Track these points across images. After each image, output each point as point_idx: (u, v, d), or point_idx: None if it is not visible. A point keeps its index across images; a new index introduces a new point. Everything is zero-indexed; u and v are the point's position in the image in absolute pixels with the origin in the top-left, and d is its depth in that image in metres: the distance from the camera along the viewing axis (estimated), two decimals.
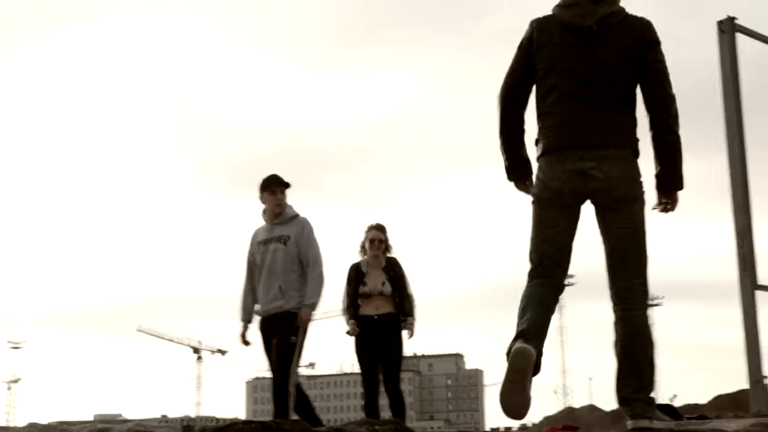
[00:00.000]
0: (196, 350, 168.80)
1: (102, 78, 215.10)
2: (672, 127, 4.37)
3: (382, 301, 7.97)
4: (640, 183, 4.34)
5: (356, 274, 8.08)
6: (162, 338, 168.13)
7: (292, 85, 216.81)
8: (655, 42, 4.40)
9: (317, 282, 7.10)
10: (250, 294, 7.29)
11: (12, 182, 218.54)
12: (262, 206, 7.30)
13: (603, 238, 4.35)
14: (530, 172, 4.45)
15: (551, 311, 4.30)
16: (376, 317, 7.92)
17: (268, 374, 7.21)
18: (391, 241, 8.21)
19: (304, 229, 7.21)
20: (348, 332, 8.02)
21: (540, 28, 4.43)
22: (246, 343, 7.25)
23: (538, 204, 4.37)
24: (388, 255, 8.15)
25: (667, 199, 4.43)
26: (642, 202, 4.34)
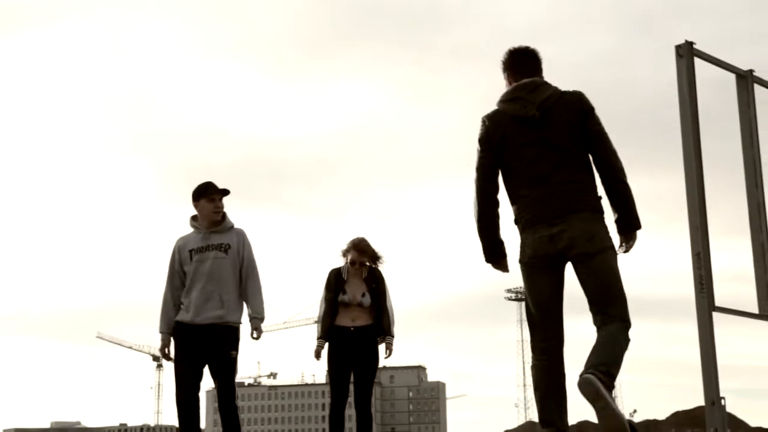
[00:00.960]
0: (156, 358, 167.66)
1: (60, 83, 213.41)
2: (620, 178, 5.00)
3: (359, 313, 7.70)
4: (602, 236, 4.94)
5: (336, 281, 7.78)
6: (121, 345, 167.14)
7: (255, 94, 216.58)
8: (591, 110, 5.06)
9: (261, 295, 6.94)
10: (172, 305, 6.96)
11: None
12: (195, 213, 7.05)
13: (581, 285, 4.96)
14: (504, 253, 5.10)
15: (563, 384, 5.03)
16: (352, 329, 7.66)
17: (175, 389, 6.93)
18: (378, 251, 7.90)
19: (245, 239, 7.00)
20: (315, 352, 7.75)
21: (493, 124, 5.04)
22: (168, 357, 6.94)
23: (523, 268, 5.03)
24: (375, 265, 7.87)
25: (628, 240, 5.03)
26: (608, 250, 4.94)
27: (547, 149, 4.94)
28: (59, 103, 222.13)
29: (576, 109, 5.01)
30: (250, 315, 6.94)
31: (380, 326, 7.70)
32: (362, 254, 7.81)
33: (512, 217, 5.09)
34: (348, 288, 7.74)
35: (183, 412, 6.81)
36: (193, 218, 7.05)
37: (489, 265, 5.13)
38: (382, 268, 7.93)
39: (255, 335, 6.93)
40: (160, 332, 6.96)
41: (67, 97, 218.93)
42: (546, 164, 4.92)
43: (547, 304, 4.99)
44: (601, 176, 5.00)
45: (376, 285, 7.75)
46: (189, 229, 7.09)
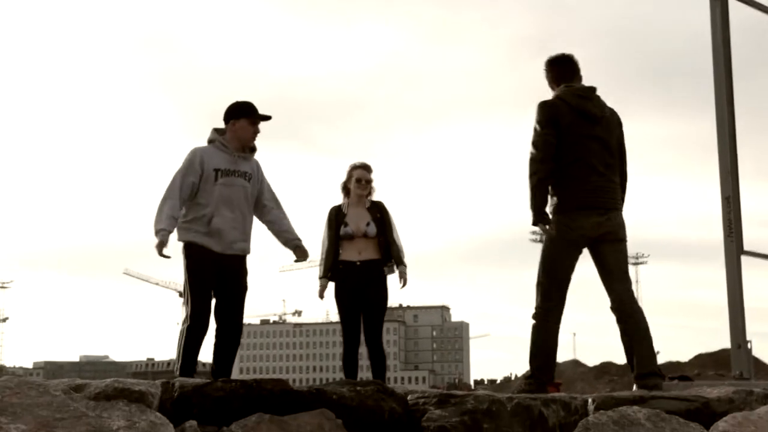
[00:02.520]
0: (182, 294, 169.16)
1: (84, 20, 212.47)
2: (626, 187, 6.19)
3: (364, 244, 7.39)
4: (625, 229, 6.06)
5: (336, 216, 7.46)
6: (148, 282, 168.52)
7: (280, 33, 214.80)
8: (622, 127, 6.17)
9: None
10: (178, 214, 6.32)
11: (1, 126, 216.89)
12: (220, 128, 6.47)
13: (604, 261, 5.97)
14: (549, 218, 5.88)
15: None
16: (358, 263, 7.36)
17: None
18: (376, 184, 7.59)
19: (261, 169, 6.60)
20: (318, 292, 7.57)
21: (560, 111, 5.81)
22: (166, 256, 6.26)
23: (559, 244, 5.82)
24: (372, 199, 7.57)
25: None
26: (626, 241, 6.05)
27: (603, 148, 5.85)
28: (84, 41, 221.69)
29: (619, 124, 6.10)
30: (293, 241, 6.68)
31: (388, 258, 7.41)
32: (367, 170, 7.56)
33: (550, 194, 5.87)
34: (350, 220, 7.45)
35: (197, 342, 6.30)
36: (219, 133, 6.49)
37: (537, 228, 5.93)
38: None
39: (302, 257, 6.72)
40: (162, 229, 6.22)
41: (91, 34, 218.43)
42: (603, 160, 5.84)
43: (569, 277, 5.92)
44: (620, 182, 6.06)
45: (380, 215, 7.47)
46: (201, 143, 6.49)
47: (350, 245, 7.42)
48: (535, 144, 5.78)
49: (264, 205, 6.60)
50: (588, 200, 5.79)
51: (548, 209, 5.88)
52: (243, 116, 6.41)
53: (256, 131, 6.44)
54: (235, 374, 6.24)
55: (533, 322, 5.91)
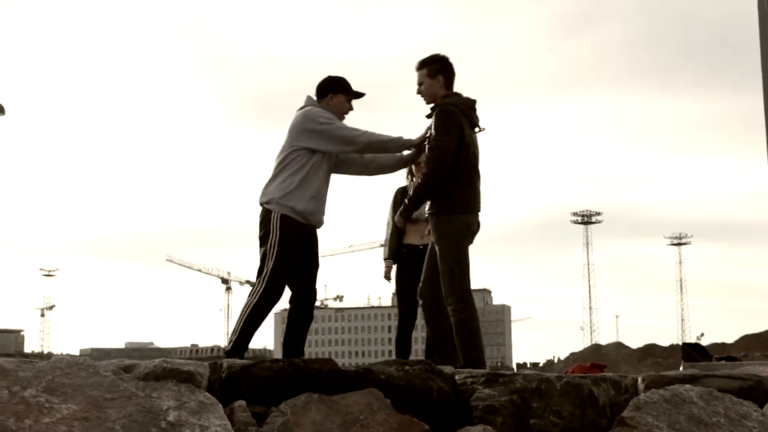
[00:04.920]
0: (225, 281, 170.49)
1: (126, 8, 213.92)
2: None
3: (427, 228, 7.16)
4: None
5: (402, 198, 7.42)
6: (191, 268, 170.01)
7: (319, 18, 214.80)
8: None
9: None
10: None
11: (44, 115, 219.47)
12: (325, 106, 6.22)
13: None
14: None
15: None
16: (421, 246, 7.25)
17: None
18: None
19: None
20: (384, 274, 7.61)
21: (460, 117, 6.10)
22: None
23: (462, 240, 6.15)
24: None
25: None
26: None
27: (478, 156, 6.24)
28: (125, 29, 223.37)
29: None
30: (404, 148, 6.44)
31: None
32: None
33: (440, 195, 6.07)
34: None
35: (303, 324, 6.23)
36: (311, 104, 6.27)
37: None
38: None
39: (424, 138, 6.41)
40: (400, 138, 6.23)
41: (132, 22, 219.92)
42: (478, 168, 6.23)
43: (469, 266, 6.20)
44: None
45: None
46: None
47: (414, 228, 7.41)
48: (445, 146, 6.00)
49: (347, 157, 6.34)
50: (477, 202, 6.21)
51: (435, 207, 6.12)
52: (341, 91, 6.27)
53: (351, 108, 6.31)
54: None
55: (462, 314, 6.01)
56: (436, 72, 6.20)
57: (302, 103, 6.30)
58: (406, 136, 6.20)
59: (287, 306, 6.30)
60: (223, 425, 3.94)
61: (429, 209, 6.15)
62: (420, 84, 6.24)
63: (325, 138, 6.05)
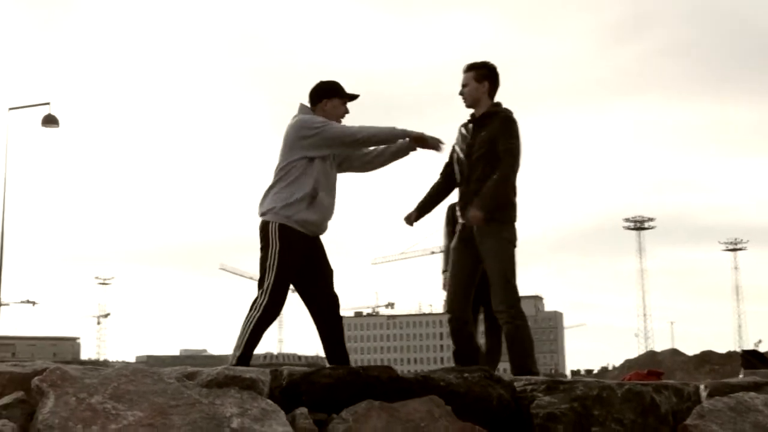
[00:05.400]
0: (264, 279, 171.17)
1: (180, 19, 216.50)
2: None
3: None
4: None
5: (453, 213, 7.41)
6: (243, 276, 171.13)
7: (368, 27, 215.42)
8: None
9: None
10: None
11: (99, 126, 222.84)
12: (319, 112, 6.09)
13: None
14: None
15: None
16: None
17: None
18: None
19: None
20: (442, 285, 7.76)
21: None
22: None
23: (514, 248, 6.23)
24: None
25: None
26: None
27: None
28: (178, 41, 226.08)
29: None
30: (401, 141, 6.25)
31: None
32: None
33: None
34: None
35: (340, 341, 6.00)
36: (307, 112, 6.14)
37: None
38: None
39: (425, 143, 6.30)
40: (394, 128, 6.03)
41: (186, 35, 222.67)
42: None
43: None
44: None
45: None
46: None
47: None
48: (518, 150, 6.17)
49: (347, 156, 6.22)
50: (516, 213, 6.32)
51: (493, 213, 6.14)
52: (335, 95, 6.15)
53: (347, 111, 6.19)
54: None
55: (518, 322, 6.08)
56: (483, 77, 6.29)
57: (296, 112, 6.17)
58: (399, 126, 6.05)
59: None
60: None
61: (487, 206, 6.11)
62: (465, 85, 6.30)
63: (323, 141, 5.94)
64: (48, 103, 24.85)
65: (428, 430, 4.19)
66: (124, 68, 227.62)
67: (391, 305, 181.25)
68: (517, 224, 6.29)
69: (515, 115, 6.28)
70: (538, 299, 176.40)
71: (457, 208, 6.45)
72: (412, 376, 4.57)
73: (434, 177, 6.70)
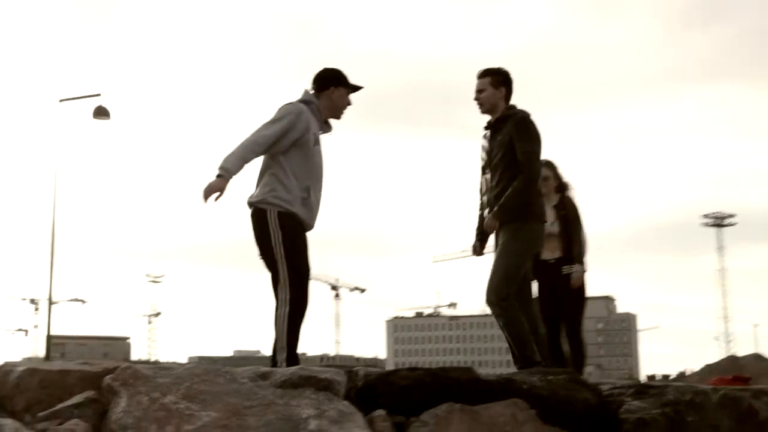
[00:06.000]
0: (334, 287, 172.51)
1: (229, 10, 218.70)
2: None
3: (556, 243, 7.78)
4: None
5: None
6: None
7: (429, 14, 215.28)
8: None
9: None
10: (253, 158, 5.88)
11: (149, 119, 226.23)
12: (324, 100, 6.07)
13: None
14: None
15: None
16: (551, 261, 7.79)
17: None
18: (566, 179, 8.01)
19: None
20: None
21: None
22: (217, 198, 5.80)
23: (533, 249, 6.41)
24: (566, 194, 7.94)
25: None
26: None
27: None
28: (231, 30, 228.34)
29: None
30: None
31: (569, 256, 7.76)
32: (544, 167, 7.69)
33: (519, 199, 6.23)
34: None
35: (299, 323, 5.82)
36: (324, 106, 6.10)
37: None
38: (573, 196, 7.96)
39: None
40: (227, 169, 5.72)
41: (238, 23, 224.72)
42: None
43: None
44: None
45: (565, 212, 7.82)
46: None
47: (545, 244, 7.62)
48: (536, 153, 6.32)
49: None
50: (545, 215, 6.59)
51: (513, 214, 6.25)
52: (342, 85, 6.12)
53: (350, 102, 6.16)
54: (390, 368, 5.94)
55: (511, 313, 6.18)
56: (499, 83, 6.47)
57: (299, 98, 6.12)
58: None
59: (397, 314, 6.21)
60: None
61: (506, 216, 6.25)
62: (481, 91, 6.48)
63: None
64: (99, 95, 25.29)
65: None
66: (175, 58, 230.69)
67: (453, 305, 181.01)
68: (541, 224, 6.45)
69: (532, 116, 6.40)
70: (609, 300, 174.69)
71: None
72: (494, 378, 4.58)
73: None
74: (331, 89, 6.08)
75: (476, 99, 6.47)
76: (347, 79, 6.14)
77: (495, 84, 6.44)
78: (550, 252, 7.79)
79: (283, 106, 6.00)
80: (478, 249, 6.65)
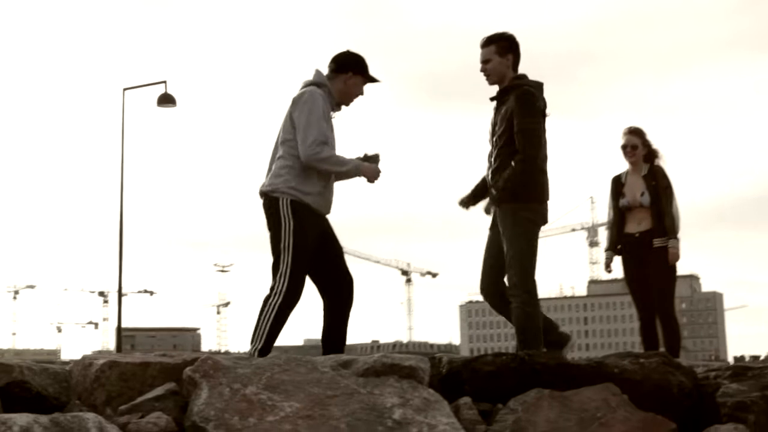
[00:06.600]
0: (405, 272, 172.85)
1: None
2: None
3: (643, 215, 7.63)
4: None
5: (615, 186, 7.81)
6: (369, 260, 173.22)
7: None
8: None
9: None
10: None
11: (215, 106, 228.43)
12: (339, 84, 6.00)
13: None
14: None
15: None
16: (637, 234, 7.62)
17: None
18: (656, 146, 7.81)
19: None
20: (604, 264, 7.97)
21: (540, 101, 6.15)
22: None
23: (536, 229, 6.12)
24: (655, 163, 7.76)
25: None
26: None
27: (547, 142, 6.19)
28: (290, 9, 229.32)
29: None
30: None
31: (662, 229, 7.54)
32: (632, 134, 7.77)
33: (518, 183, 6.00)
34: (627, 190, 7.72)
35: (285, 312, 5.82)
36: (338, 92, 6.03)
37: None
38: (664, 165, 7.78)
39: None
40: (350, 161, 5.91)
41: (297, 2, 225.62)
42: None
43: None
44: None
45: (655, 183, 7.63)
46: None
47: (631, 216, 7.71)
48: (534, 129, 6.03)
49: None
50: (549, 192, 6.21)
51: (512, 194, 6.03)
52: (360, 73, 6.05)
53: (363, 93, 6.10)
54: (464, 354, 5.98)
55: (528, 307, 5.96)
56: (505, 50, 6.19)
57: (311, 78, 6.07)
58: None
59: (470, 299, 6.21)
60: (451, 423, 4.00)
61: (504, 197, 6.06)
62: (486, 62, 6.18)
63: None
64: (164, 82, 25.47)
65: (606, 421, 4.17)
66: (239, 45, 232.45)
67: None
68: (547, 203, 6.19)
69: (538, 90, 6.14)
70: (694, 278, 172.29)
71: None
72: (584, 362, 4.55)
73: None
74: (349, 74, 6.01)
75: (482, 70, 6.20)
76: (367, 69, 6.06)
77: (501, 52, 6.16)
78: (636, 224, 7.64)
79: (308, 97, 5.89)
80: (466, 203, 6.45)
